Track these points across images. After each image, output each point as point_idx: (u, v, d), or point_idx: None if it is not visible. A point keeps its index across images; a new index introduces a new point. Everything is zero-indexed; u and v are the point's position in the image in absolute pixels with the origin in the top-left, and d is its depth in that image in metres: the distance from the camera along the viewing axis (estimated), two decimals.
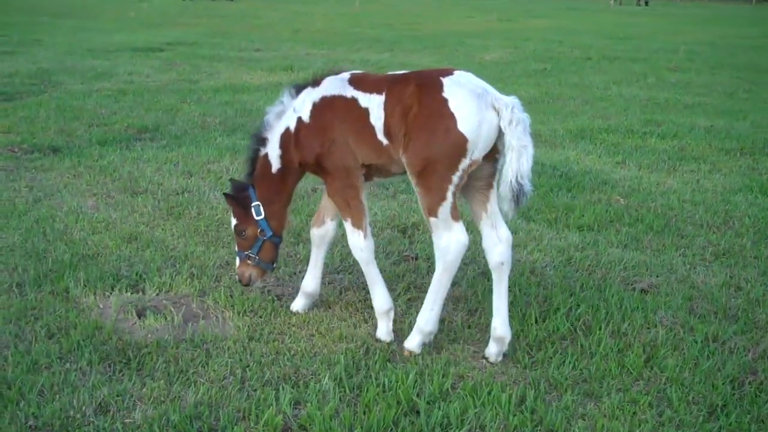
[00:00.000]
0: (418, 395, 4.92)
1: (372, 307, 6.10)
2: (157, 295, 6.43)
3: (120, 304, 6.18)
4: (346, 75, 5.62)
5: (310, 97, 5.61)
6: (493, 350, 5.53)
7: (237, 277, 6.04)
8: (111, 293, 6.39)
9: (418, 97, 5.18)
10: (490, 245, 5.42)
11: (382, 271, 6.76)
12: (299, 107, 5.63)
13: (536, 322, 5.96)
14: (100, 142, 11.53)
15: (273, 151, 5.77)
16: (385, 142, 5.33)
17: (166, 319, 5.99)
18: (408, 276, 6.85)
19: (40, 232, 7.69)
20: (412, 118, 5.17)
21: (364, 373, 5.22)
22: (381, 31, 32.84)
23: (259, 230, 5.86)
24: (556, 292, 6.46)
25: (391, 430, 4.60)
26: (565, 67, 22.29)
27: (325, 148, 5.49)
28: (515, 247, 7.48)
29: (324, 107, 5.53)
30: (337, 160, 5.49)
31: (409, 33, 32.34)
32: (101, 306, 6.19)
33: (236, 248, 5.99)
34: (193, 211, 8.38)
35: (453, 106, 5.11)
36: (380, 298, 5.71)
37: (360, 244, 5.60)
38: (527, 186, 5.13)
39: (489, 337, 5.55)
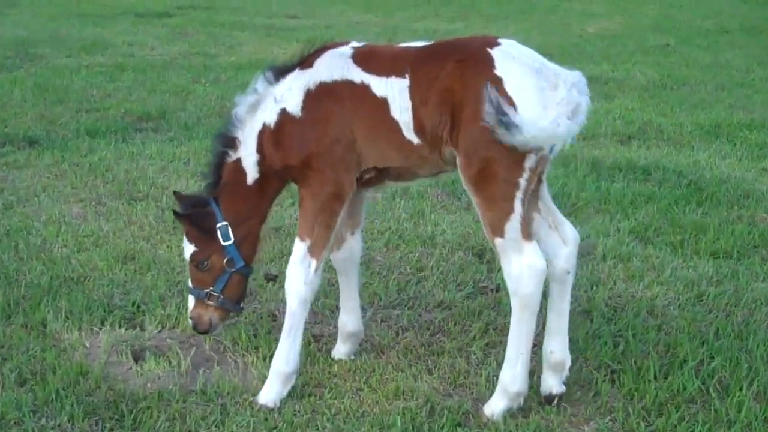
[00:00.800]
0: None
1: (438, 354, 6.07)
2: (160, 332, 6.45)
3: (112, 343, 6.20)
4: (347, 50, 5.54)
5: (299, 82, 5.48)
6: (552, 381, 5.56)
7: (191, 323, 5.82)
8: (101, 329, 6.42)
9: (462, 76, 5.14)
10: (553, 250, 5.43)
11: (451, 304, 6.78)
12: (283, 96, 5.50)
13: (655, 378, 5.86)
14: (90, 133, 11.66)
15: (248, 156, 5.63)
16: (416, 140, 5.29)
17: (170, 363, 5.99)
18: (486, 314, 6.79)
19: (11, 248, 7.79)
20: (458, 104, 5.13)
21: None
22: None
23: (226, 260, 5.71)
24: (683, 339, 6.34)
25: None
26: (694, 41, 22.09)
27: (323, 147, 5.40)
28: (629, 278, 7.41)
29: (323, 95, 5.42)
30: (335, 162, 5.42)
31: None
32: (88, 345, 6.22)
33: (190, 284, 5.81)
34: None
35: (509, 85, 5.07)
36: (291, 355, 5.58)
37: (306, 278, 5.48)
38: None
39: (543, 366, 5.61)
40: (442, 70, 5.19)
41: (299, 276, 5.48)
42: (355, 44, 5.61)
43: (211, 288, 5.70)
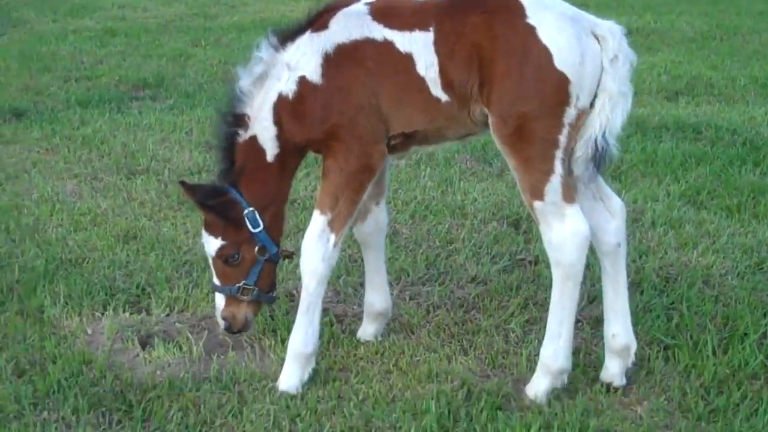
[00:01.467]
0: None
1: (473, 333, 6.11)
2: (168, 315, 6.52)
3: (116, 329, 6.26)
4: (362, 6, 5.52)
5: (314, 46, 5.45)
6: (615, 369, 5.58)
7: (224, 324, 5.77)
8: (103, 314, 6.48)
9: (490, 29, 5.18)
10: (599, 223, 5.44)
11: (486, 279, 6.81)
12: (298, 63, 5.46)
13: (714, 353, 5.88)
14: (82, 103, 11.73)
15: (264, 132, 5.59)
16: (444, 98, 5.32)
17: (181, 349, 6.05)
18: (525, 288, 6.82)
19: (1, 229, 7.85)
20: (486, 60, 5.17)
21: (465, 427, 5.21)
22: None
23: (257, 248, 5.70)
24: (743, 310, 6.36)
25: None
26: None
27: (346, 117, 5.41)
28: (681, 246, 7.43)
29: (343, 59, 5.40)
30: (360, 132, 5.42)
31: None
32: (90, 332, 6.28)
33: (217, 282, 5.76)
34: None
35: (544, 35, 5.12)
36: (309, 335, 5.61)
37: (324, 253, 5.49)
38: (613, 146, 5.27)
39: (605, 352, 5.64)
40: (468, 21, 5.22)
41: (317, 251, 5.48)
42: (369, 0, 5.59)
43: (244, 282, 5.66)
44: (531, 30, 5.13)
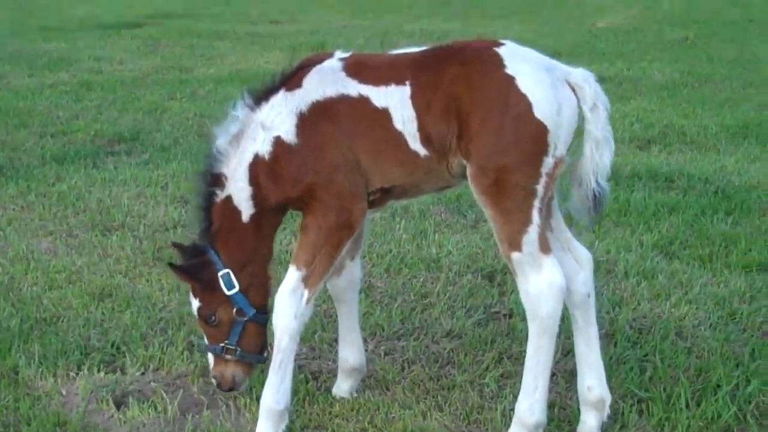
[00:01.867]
0: None
1: (448, 388, 6.12)
2: (143, 374, 6.47)
3: (91, 389, 6.22)
4: (336, 62, 5.52)
5: (289, 104, 5.45)
6: (591, 422, 5.58)
7: (214, 382, 5.82)
8: (78, 373, 6.44)
9: (468, 80, 5.20)
10: (569, 274, 5.44)
11: (461, 333, 6.82)
12: (273, 122, 5.46)
13: (687, 406, 5.88)
14: (58, 159, 11.72)
15: (239, 192, 5.58)
16: (422, 152, 5.32)
17: (156, 409, 6.00)
18: (499, 342, 6.82)
19: None
20: (465, 111, 5.19)
21: None
22: None
23: (235, 310, 5.70)
24: (716, 362, 6.38)
25: None
26: (717, 34, 22.19)
27: (322, 177, 5.38)
28: (654, 297, 7.46)
29: (317, 118, 5.40)
30: (338, 190, 5.40)
31: None
32: (65, 392, 6.24)
33: (205, 341, 5.83)
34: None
35: (522, 86, 5.16)
36: (281, 391, 5.56)
37: (297, 310, 5.46)
38: (607, 188, 5.40)
39: (580, 406, 5.64)
40: (446, 73, 5.25)
41: (290, 308, 5.45)
42: (341, 55, 5.61)
43: (226, 341, 5.68)
44: (510, 80, 5.16)
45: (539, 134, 5.15)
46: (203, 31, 23.61)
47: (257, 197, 5.57)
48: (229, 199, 5.61)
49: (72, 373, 6.44)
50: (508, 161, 5.14)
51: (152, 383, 6.34)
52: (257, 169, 5.51)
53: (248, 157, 5.52)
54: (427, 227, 9.12)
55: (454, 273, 8.00)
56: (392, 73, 5.36)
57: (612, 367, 6.32)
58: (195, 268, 5.65)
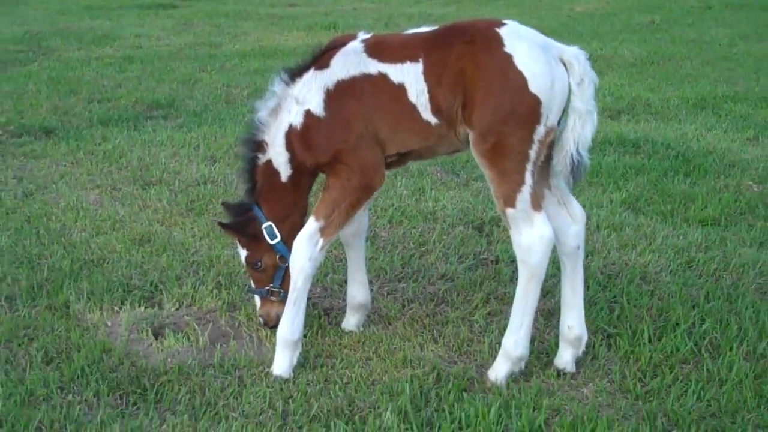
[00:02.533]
0: None
1: (442, 324, 6.14)
2: (177, 309, 6.50)
3: (132, 322, 6.25)
4: (358, 44, 5.51)
5: (318, 82, 5.49)
6: (567, 356, 5.62)
7: (261, 320, 6.01)
8: (121, 308, 6.47)
9: (473, 57, 5.19)
10: (562, 227, 5.47)
11: (454, 276, 6.82)
12: (305, 97, 5.51)
13: (650, 341, 5.91)
14: (103, 122, 11.70)
15: (278, 157, 5.70)
16: (434, 121, 5.34)
17: (188, 339, 6.05)
18: (487, 284, 6.83)
19: (32, 234, 7.83)
20: (469, 84, 5.19)
21: (434, 406, 5.21)
22: None
23: (278, 257, 5.83)
24: (675, 303, 6.39)
25: None
26: (679, 18, 22.06)
27: (349, 144, 5.43)
28: (622, 247, 7.45)
29: (343, 94, 5.44)
30: (363, 157, 5.44)
31: None
32: (109, 324, 6.28)
33: (253, 285, 5.99)
34: (219, 206, 8.43)
35: (519, 62, 5.15)
36: (295, 324, 5.58)
37: (312, 254, 5.47)
38: (587, 158, 5.34)
39: (560, 341, 5.69)
40: (453, 51, 5.23)
41: (305, 252, 5.46)
42: (363, 36, 5.60)
43: (271, 285, 5.85)
44: (508, 58, 5.15)
45: (533, 106, 5.14)
46: (230, 12, 23.48)
47: (293, 161, 5.68)
48: (269, 163, 5.74)
49: (116, 308, 6.46)
50: (505, 129, 5.14)
51: (186, 317, 6.37)
52: (291, 137, 5.59)
53: (284, 127, 5.60)
54: (425, 185, 9.10)
55: (448, 224, 7.99)
56: (407, 52, 5.36)
57: (585, 308, 6.30)
58: (241, 224, 5.81)
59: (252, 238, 5.79)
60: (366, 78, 5.39)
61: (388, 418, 5.03)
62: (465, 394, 5.33)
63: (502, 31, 5.24)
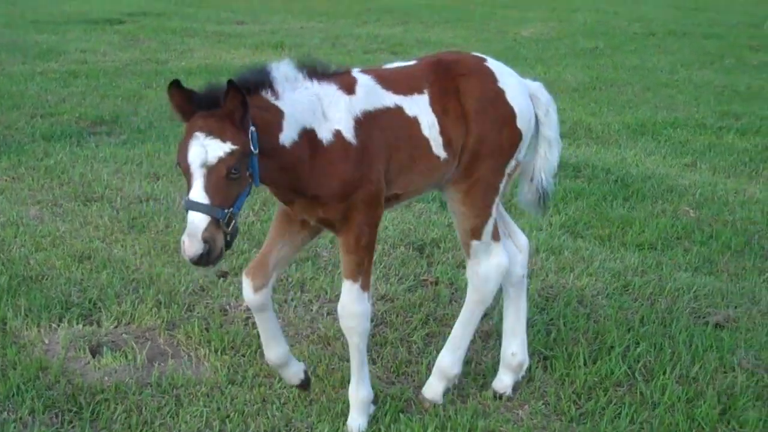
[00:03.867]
0: None
1: (381, 345, 6.17)
2: (116, 327, 6.46)
3: (70, 339, 6.20)
4: (366, 77, 5.03)
5: (349, 109, 4.81)
6: (507, 381, 5.67)
7: (202, 248, 4.31)
8: (59, 325, 6.42)
9: (471, 89, 5.12)
10: (510, 256, 5.50)
11: (394, 297, 6.86)
12: (335, 116, 4.77)
13: (585, 364, 5.97)
14: (46, 137, 11.59)
15: (289, 129, 4.66)
16: (443, 156, 5.06)
17: (126, 357, 6.01)
18: (426, 305, 6.86)
19: None
20: (466, 118, 5.09)
21: (372, 428, 5.23)
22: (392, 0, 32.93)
23: (249, 173, 4.46)
24: (610, 326, 6.47)
25: None
26: (622, 45, 22.29)
27: (372, 180, 4.85)
28: (560, 270, 7.53)
29: (370, 127, 4.85)
30: (377, 194, 4.92)
31: (427, 1, 32.39)
32: (47, 341, 6.22)
33: (204, 200, 4.34)
34: (160, 224, 8.41)
35: (510, 97, 5.19)
36: (368, 385, 5.26)
37: (365, 312, 5.02)
38: (552, 183, 5.47)
39: (499, 366, 5.73)
40: (451, 82, 5.10)
41: (359, 313, 4.99)
42: (367, 68, 5.24)
43: (232, 208, 4.41)
44: (501, 93, 5.18)
45: (516, 141, 5.21)
46: (176, 28, 23.35)
47: (293, 152, 4.67)
48: (275, 109, 4.66)
49: (54, 325, 6.41)
50: (489, 164, 5.17)
51: (124, 335, 6.33)
52: (306, 139, 4.69)
53: (299, 114, 4.67)
54: None
55: (389, 245, 8.01)
56: (412, 83, 5.08)
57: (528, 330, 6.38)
58: (246, 101, 4.37)
59: (241, 130, 4.39)
60: (387, 112, 4.93)
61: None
62: (402, 416, 5.35)
63: (491, 66, 5.26)
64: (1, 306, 6.60)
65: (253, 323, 6.45)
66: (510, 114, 5.17)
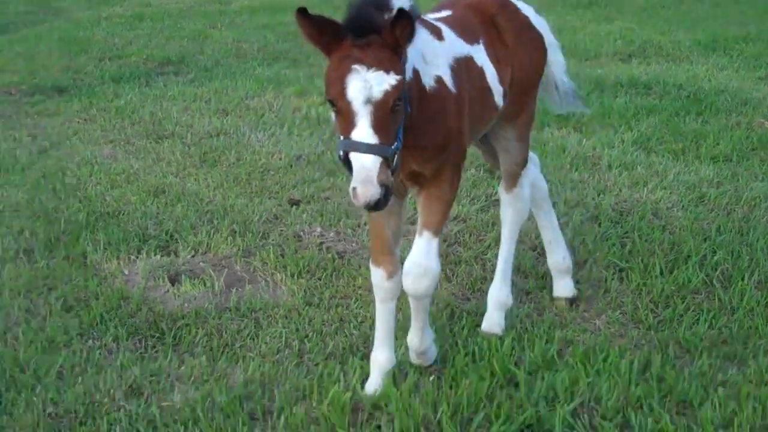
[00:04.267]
0: (516, 364, 4.97)
1: (456, 263, 6.20)
2: (193, 257, 6.57)
3: (149, 269, 6.32)
4: (441, 24, 4.72)
5: (445, 55, 4.52)
6: (569, 283, 5.76)
7: (379, 192, 3.88)
8: (137, 257, 6.55)
9: (507, 27, 5.07)
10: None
11: (466, 217, 6.88)
12: (434, 61, 4.44)
13: (662, 273, 5.95)
14: (115, 79, 11.75)
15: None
16: (500, 106, 4.90)
17: (204, 284, 6.11)
18: (498, 224, 6.74)
19: (48, 189, 7.89)
20: (514, 53, 5.04)
21: (449, 341, 5.28)
22: None
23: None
24: (686, 236, 6.43)
25: (484, 405, 4.65)
26: None
27: (463, 131, 4.57)
28: (633, 185, 7.49)
29: (459, 76, 4.53)
30: (464, 149, 4.69)
31: None
32: (126, 272, 6.35)
33: (373, 140, 3.93)
34: (231, 157, 8.50)
35: (534, 22, 5.31)
36: (430, 333, 4.98)
37: (439, 271, 4.69)
38: (571, 80, 5.73)
39: (553, 276, 5.82)
40: (493, 26, 5.01)
41: (437, 275, 4.68)
42: (435, 14, 4.97)
43: (396, 144, 4.06)
44: (527, 20, 5.27)
45: (544, 61, 5.38)
46: None
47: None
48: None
49: (132, 257, 6.53)
50: (533, 93, 5.35)
51: (201, 264, 6.43)
52: (415, 81, 4.28)
53: (410, 54, 4.20)
54: None
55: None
56: (472, 32, 4.81)
57: (597, 243, 6.38)
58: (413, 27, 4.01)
59: (399, 56, 4.02)
60: (467, 61, 4.64)
61: (402, 353, 5.09)
62: (479, 329, 5.38)
63: (519, 4, 5.32)
64: (80, 241, 6.73)
65: (327, 247, 6.54)
66: (539, 38, 5.28)
